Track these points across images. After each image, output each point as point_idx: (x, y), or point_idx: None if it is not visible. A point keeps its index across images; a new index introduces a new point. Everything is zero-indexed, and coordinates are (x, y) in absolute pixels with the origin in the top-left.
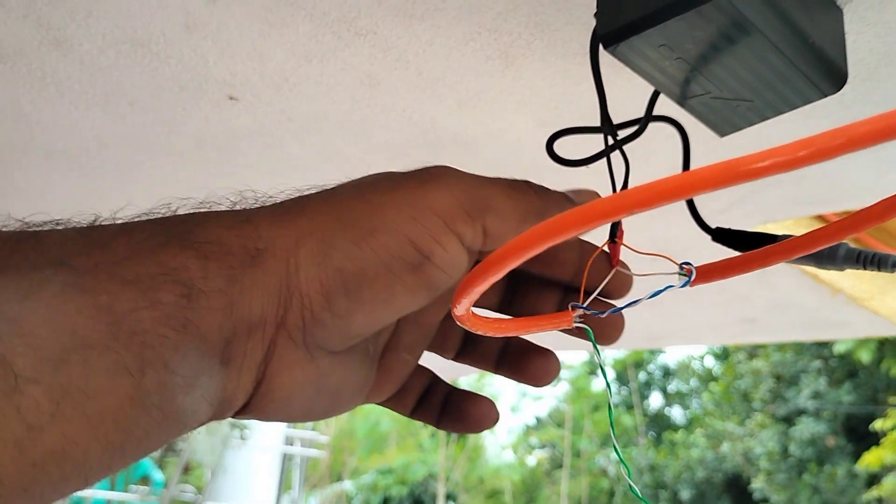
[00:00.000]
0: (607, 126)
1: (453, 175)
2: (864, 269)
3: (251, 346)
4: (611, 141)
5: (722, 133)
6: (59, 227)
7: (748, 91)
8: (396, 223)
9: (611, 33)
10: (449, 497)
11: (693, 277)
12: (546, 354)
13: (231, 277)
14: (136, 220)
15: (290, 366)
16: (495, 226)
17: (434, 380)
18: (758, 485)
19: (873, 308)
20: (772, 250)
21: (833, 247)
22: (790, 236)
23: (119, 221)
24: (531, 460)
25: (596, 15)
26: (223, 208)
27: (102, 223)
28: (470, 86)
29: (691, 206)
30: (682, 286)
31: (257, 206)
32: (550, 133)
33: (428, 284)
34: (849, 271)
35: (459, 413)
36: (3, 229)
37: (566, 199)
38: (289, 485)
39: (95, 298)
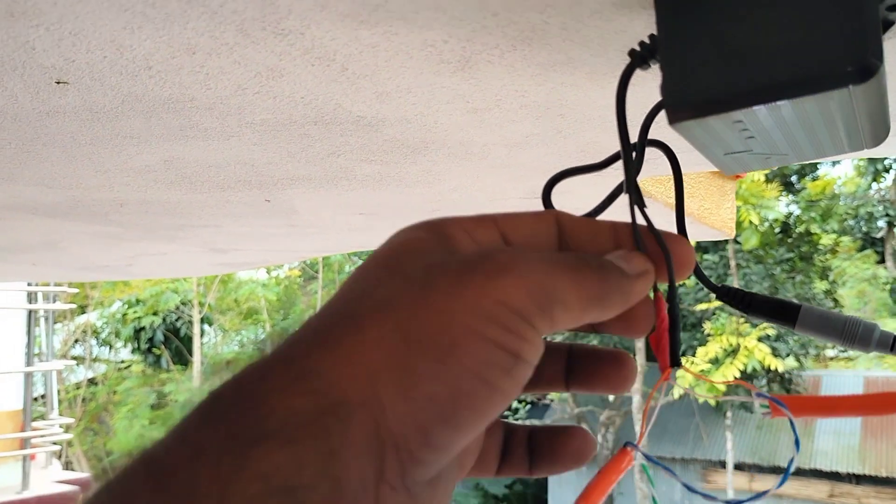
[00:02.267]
0: (633, 194)
1: (519, 263)
2: None
3: None
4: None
5: (729, 173)
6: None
7: (789, 147)
8: (477, 328)
9: (684, 106)
10: (204, 321)
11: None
12: (619, 358)
13: (325, 453)
14: (190, 434)
15: None
16: (561, 315)
17: (508, 429)
18: None
19: (709, 223)
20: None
21: (866, 329)
22: (801, 305)
23: (173, 446)
24: (282, 274)
25: (663, 86)
26: (266, 354)
27: (160, 461)
28: (402, 82)
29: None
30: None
31: (298, 339)
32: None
33: (521, 383)
34: None
35: (552, 455)
36: None
37: (623, 276)
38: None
39: None
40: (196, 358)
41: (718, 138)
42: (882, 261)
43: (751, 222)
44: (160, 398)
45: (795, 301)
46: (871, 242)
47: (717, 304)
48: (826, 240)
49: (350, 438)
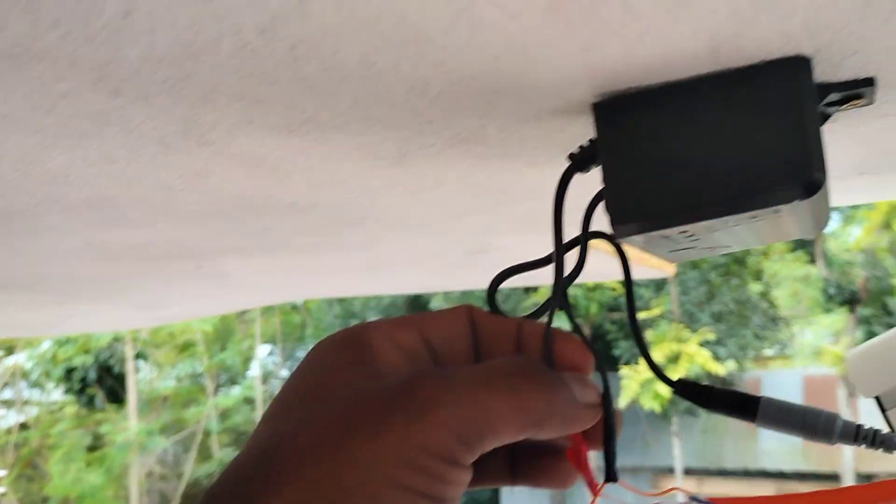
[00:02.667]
0: (559, 297)
1: (444, 398)
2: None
3: None
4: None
5: (673, 262)
6: None
7: (733, 242)
8: (398, 478)
9: (628, 222)
10: (138, 356)
11: None
12: (560, 456)
13: None
14: None
15: None
16: (492, 444)
17: None
18: None
19: (650, 264)
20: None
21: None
22: (760, 398)
23: None
24: None
25: (606, 201)
26: None
27: None
28: (336, 175)
29: (651, 362)
30: None
31: (226, 493)
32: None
33: None
34: None
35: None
36: None
37: (572, 403)
38: None
39: None
40: (132, 395)
41: (664, 243)
42: (813, 261)
43: None
44: (96, 439)
45: (753, 395)
46: (801, 244)
47: (658, 312)
48: None
49: None
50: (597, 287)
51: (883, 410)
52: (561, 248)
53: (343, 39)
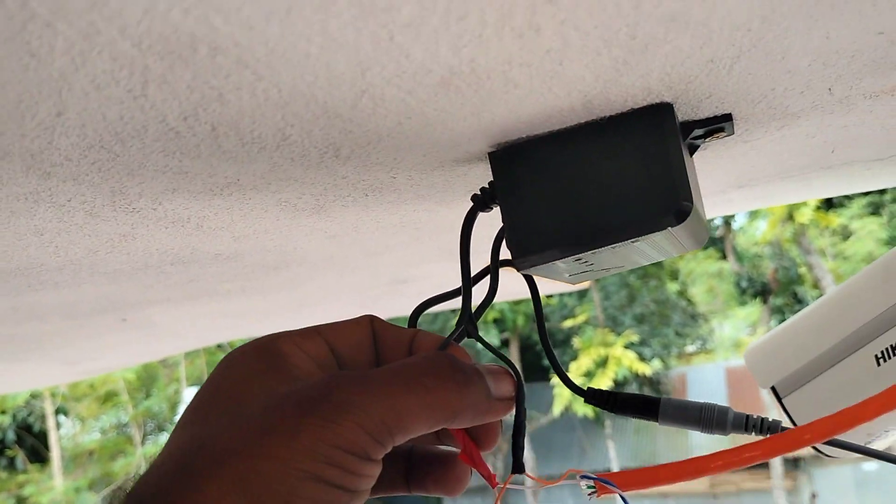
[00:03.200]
0: (466, 322)
1: (358, 401)
2: (754, 434)
3: None
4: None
5: (572, 284)
6: None
7: (624, 263)
8: (314, 472)
9: (527, 255)
10: (59, 412)
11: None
12: (453, 463)
13: None
14: None
15: None
16: (402, 438)
17: None
18: None
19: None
20: (658, 473)
21: (721, 412)
22: (660, 399)
23: None
24: None
25: (506, 237)
26: None
27: None
28: (259, 227)
29: (559, 370)
30: (589, 496)
31: (137, 498)
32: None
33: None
34: None
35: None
36: None
37: (486, 397)
38: None
39: None
40: (55, 453)
41: (562, 269)
42: (724, 256)
43: None
44: (20, 503)
45: (654, 397)
46: (712, 241)
47: (583, 318)
48: None
49: None
50: (522, 300)
51: (779, 399)
52: (468, 279)
53: (259, 118)
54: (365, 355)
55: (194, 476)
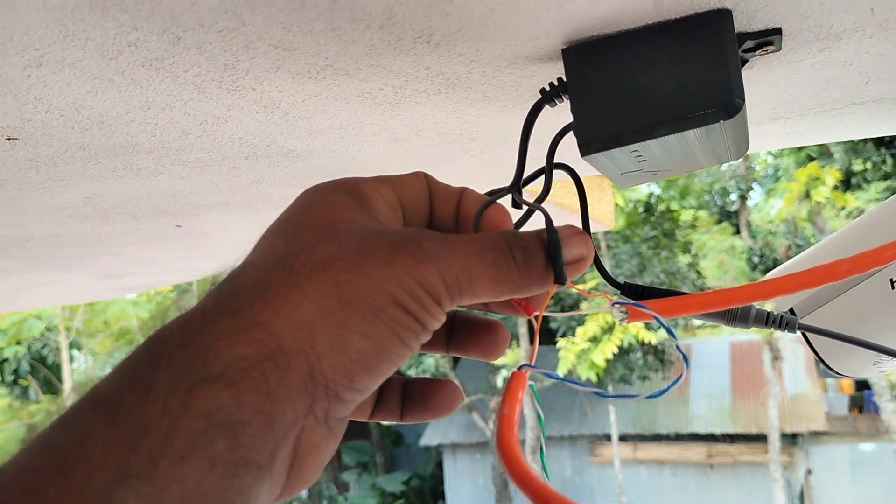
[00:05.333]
0: (515, 188)
1: (441, 254)
2: (773, 329)
3: (287, 445)
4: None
5: (623, 186)
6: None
7: (672, 164)
8: (400, 299)
9: (593, 142)
10: (73, 346)
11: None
12: (494, 328)
13: (263, 393)
14: (139, 373)
15: (317, 445)
16: (467, 301)
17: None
18: None
19: (592, 217)
20: (688, 301)
21: (745, 309)
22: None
23: (116, 380)
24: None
25: (574, 125)
26: (210, 301)
27: (113, 401)
28: (335, 122)
29: (599, 264)
30: (621, 321)
31: (240, 289)
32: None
33: (421, 343)
34: None
35: (423, 403)
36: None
37: (544, 275)
38: None
39: (167, 494)
40: (67, 385)
41: (618, 163)
42: (737, 232)
43: (617, 205)
44: (32, 431)
45: (685, 291)
46: (726, 216)
47: (593, 284)
48: (686, 216)
49: (286, 382)
50: None
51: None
52: (524, 155)
53: None
54: (423, 205)
55: (295, 274)
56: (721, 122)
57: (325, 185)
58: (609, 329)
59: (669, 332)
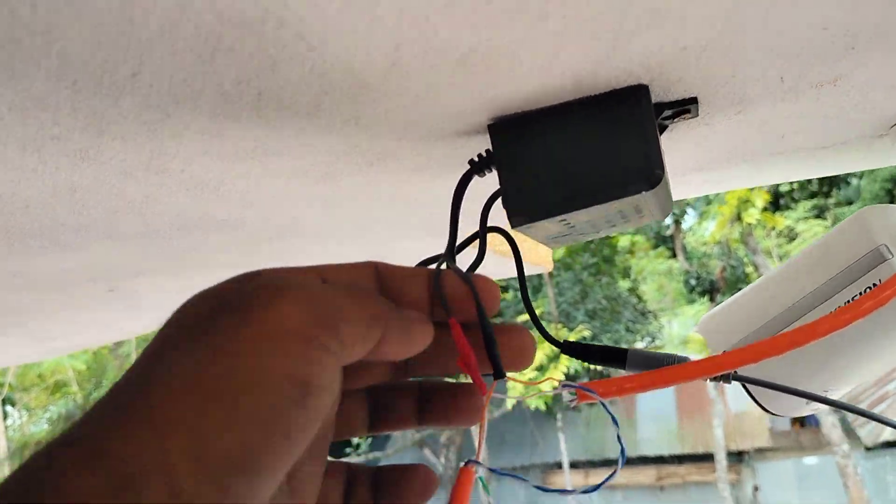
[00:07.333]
0: (448, 256)
1: (292, 286)
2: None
3: None
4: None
5: (552, 247)
6: None
7: (598, 228)
8: (262, 364)
9: (521, 214)
10: (6, 402)
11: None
12: (472, 392)
13: None
14: None
15: None
16: (348, 332)
17: (351, 471)
18: None
19: (530, 260)
20: (634, 381)
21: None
22: (628, 350)
23: None
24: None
25: (503, 198)
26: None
27: None
28: (269, 194)
29: (538, 324)
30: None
31: (86, 420)
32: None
33: (320, 414)
34: None
35: (397, 494)
36: None
37: (405, 314)
38: None
39: None
40: (1, 443)
41: (546, 230)
42: (674, 255)
43: None
44: None
45: (623, 347)
46: (662, 240)
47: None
48: (623, 241)
49: None
50: None
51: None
52: (455, 227)
53: (301, 87)
54: None
55: (142, 386)
56: (643, 192)
57: (219, 283)
58: (556, 356)
59: (614, 420)
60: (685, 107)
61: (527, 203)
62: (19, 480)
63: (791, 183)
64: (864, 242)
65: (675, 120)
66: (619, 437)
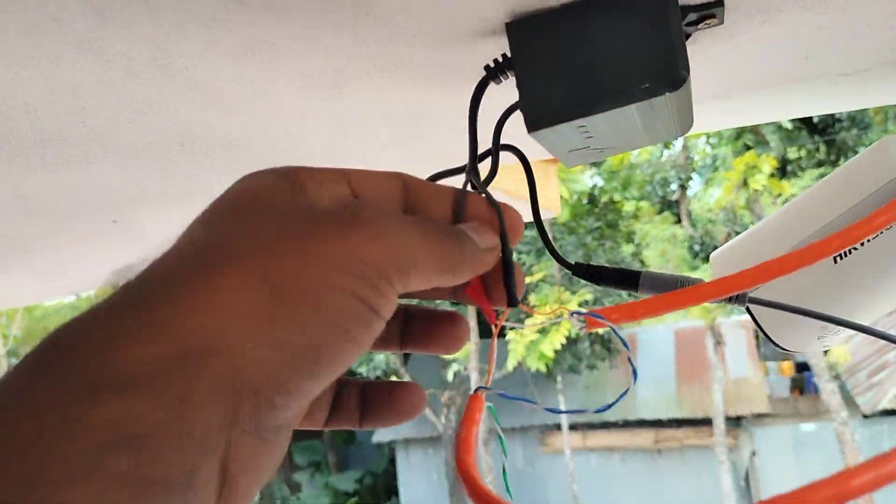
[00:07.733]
0: (472, 171)
1: (377, 222)
2: (723, 303)
3: (210, 462)
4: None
5: (570, 165)
6: None
7: (618, 141)
8: (339, 282)
9: (540, 118)
10: (11, 354)
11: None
12: (453, 319)
13: (167, 402)
14: (20, 379)
15: (251, 460)
16: (415, 277)
17: (341, 382)
18: None
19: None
20: (643, 305)
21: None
22: (640, 272)
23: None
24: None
25: (521, 102)
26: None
27: None
28: (274, 107)
29: (549, 246)
30: (580, 330)
31: (144, 285)
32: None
33: (375, 336)
34: None
35: (385, 408)
36: None
37: (475, 248)
38: None
39: None
40: None
41: (565, 140)
42: (679, 221)
43: (561, 196)
44: None
45: (635, 270)
46: (667, 205)
47: (540, 276)
48: (628, 206)
49: (198, 388)
50: None
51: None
52: (474, 140)
53: None
54: (392, 206)
55: (211, 264)
56: (667, 94)
57: (259, 171)
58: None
59: (624, 343)
60: (711, 10)
61: (546, 106)
62: (71, 338)
63: (798, 149)
64: (885, 171)
65: (700, 26)
66: (629, 359)
